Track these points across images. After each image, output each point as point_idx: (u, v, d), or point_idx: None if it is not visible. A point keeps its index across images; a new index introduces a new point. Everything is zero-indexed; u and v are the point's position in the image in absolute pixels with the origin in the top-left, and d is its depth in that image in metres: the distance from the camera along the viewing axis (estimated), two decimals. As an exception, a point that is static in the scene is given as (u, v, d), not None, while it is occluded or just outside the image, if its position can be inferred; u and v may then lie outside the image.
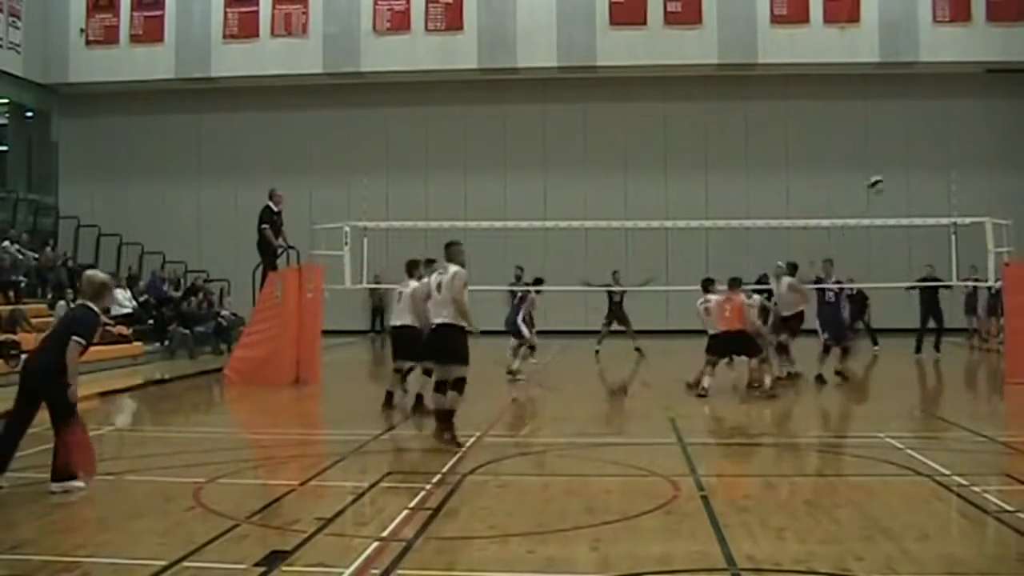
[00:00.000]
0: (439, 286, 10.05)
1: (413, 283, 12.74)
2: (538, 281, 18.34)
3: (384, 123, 28.49)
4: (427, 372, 12.65)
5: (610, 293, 21.00)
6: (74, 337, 7.82)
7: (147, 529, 6.80)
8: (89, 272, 9.02)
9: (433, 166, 28.33)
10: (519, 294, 18.10)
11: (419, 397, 12.47)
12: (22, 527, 6.93)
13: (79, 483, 7.89)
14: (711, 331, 14.70)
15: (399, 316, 12.93)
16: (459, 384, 9.86)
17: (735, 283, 14.63)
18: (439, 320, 9.97)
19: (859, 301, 21.15)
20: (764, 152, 27.69)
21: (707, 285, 15.09)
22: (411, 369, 12.92)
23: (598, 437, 11.06)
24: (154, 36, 27.60)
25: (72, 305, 8.18)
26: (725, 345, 14.43)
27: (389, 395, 12.90)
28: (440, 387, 9.96)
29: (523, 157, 28.15)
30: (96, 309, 8.12)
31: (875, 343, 22.02)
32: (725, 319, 14.24)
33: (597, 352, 21.13)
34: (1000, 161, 26.99)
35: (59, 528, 6.95)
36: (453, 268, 10.05)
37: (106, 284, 8.33)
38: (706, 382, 14.11)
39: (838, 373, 16.01)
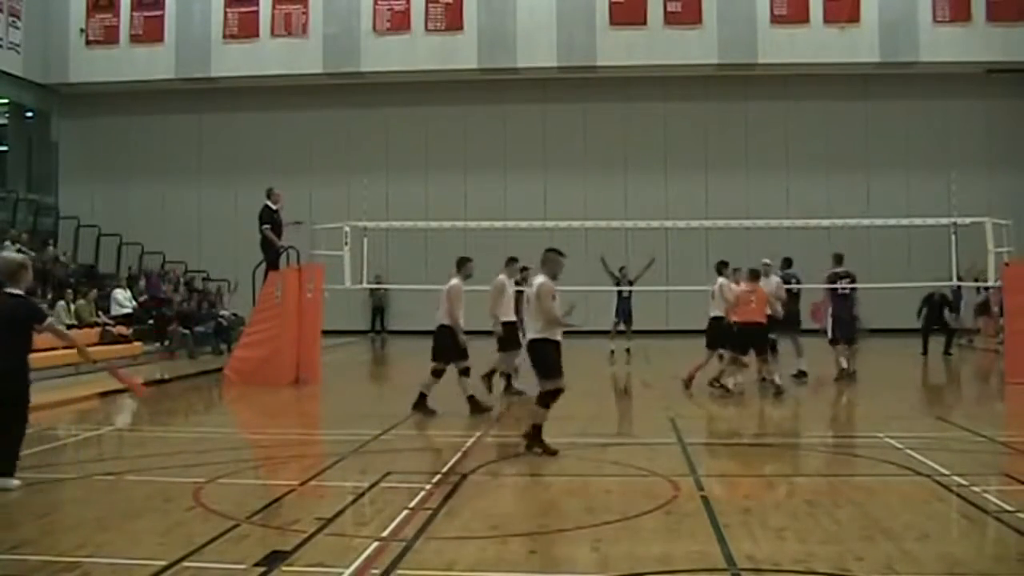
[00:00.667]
0: (529, 299, 9.85)
1: (454, 280, 12.69)
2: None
3: (384, 123, 28.50)
4: (435, 373, 12.58)
5: (619, 289, 20.99)
6: (46, 323, 8.22)
7: (147, 529, 6.79)
8: (4, 254, 9.07)
9: (433, 166, 28.34)
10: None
11: (423, 396, 12.45)
12: (22, 527, 6.92)
13: (14, 480, 7.89)
14: (712, 314, 14.73)
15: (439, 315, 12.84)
16: (544, 397, 9.60)
17: (756, 274, 14.55)
18: (531, 335, 9.70)
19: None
20: (764, 152, 27.70)
21: (721, 268, 15.04)
22: (467, 370, 12.75)
23: (598, 437, 11.06)
24: (154, 36, 27.61)
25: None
26: (743, 337, 14.19)
27: (471, 399, 12.58)
28: (543, 399, 9.69)
29: (523, 157, 28.16)
30: (21, 292, 8.14)
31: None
32: (751, 310, 14.12)
33: (612, 352, 21.04)
34: (1000, 161, 27.00)
35: (59, 528, 6.95)
36: (538, 280, 9.71)
37: (23, 265, 8.31)
38: (731, 383, 14.09)
39: (846, 372, 16.12)
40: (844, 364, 16.17)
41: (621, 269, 21.04)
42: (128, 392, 15.44)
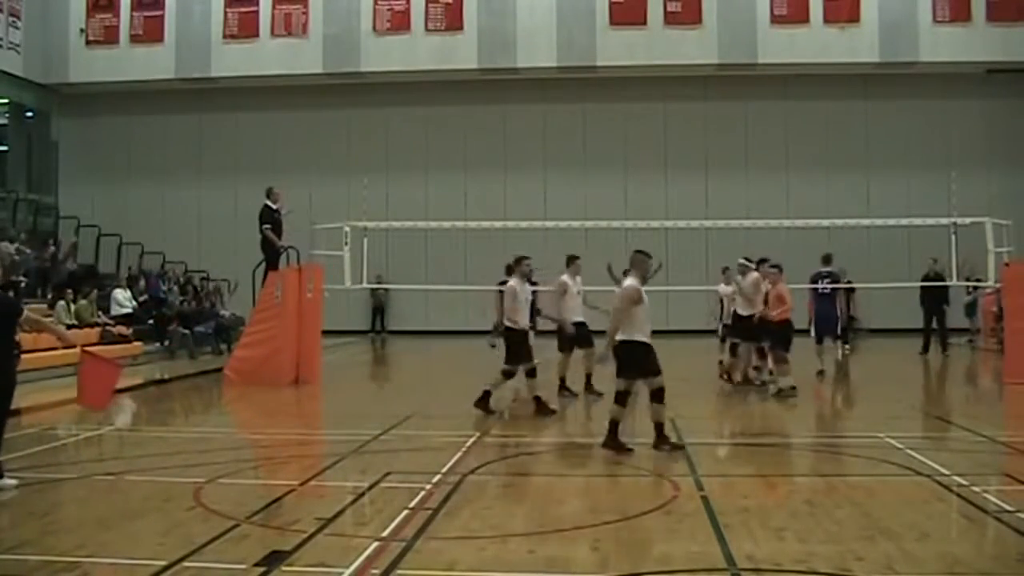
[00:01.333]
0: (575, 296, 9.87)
1: (512, 281, 12.61)
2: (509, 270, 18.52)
3: (384, 123, 28.50)
4: (531, 373, 12.50)
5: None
6: (23, 316, 8.26)
7: (147, 529, 6.80)
8: None
9: (433, 166, 28.34)
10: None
11: (537, 399, 12.39)
12: (22, 527, 6.92)
13: (10, 480, 7.92)
14: (742, 312, 14.60)
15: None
16: (657, 394, 9.71)
17: (780, 271, 14.43)
18: (620, 337, 9.72)
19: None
20: (764, 152, 27.69)
21: (758, 265, 14.99)
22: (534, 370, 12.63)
23: (598, 437, 11.05)
24: (154, 36, 27.61)
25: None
26: (782, 334, 14.02)
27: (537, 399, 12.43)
28: (656, 396, 9.80)
29: (523, 157, 28.16)
30: None
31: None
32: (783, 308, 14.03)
33: None
34: (1000, 161, 26.99)
35: (59, 528, 6.95)
36: (626, 283, 9.82)
37: None
38: (783, 382, 13.85)
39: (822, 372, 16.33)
40: (821, 365, 16.47)
41: (626, 272, 20.77)
42: (128, 392, 15.51)
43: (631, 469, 9.07)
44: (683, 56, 26.40)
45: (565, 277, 13.78)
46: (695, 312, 21.80)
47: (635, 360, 9.66)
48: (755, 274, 15.00)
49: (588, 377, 14.06)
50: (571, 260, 14.00)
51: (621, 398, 9.76)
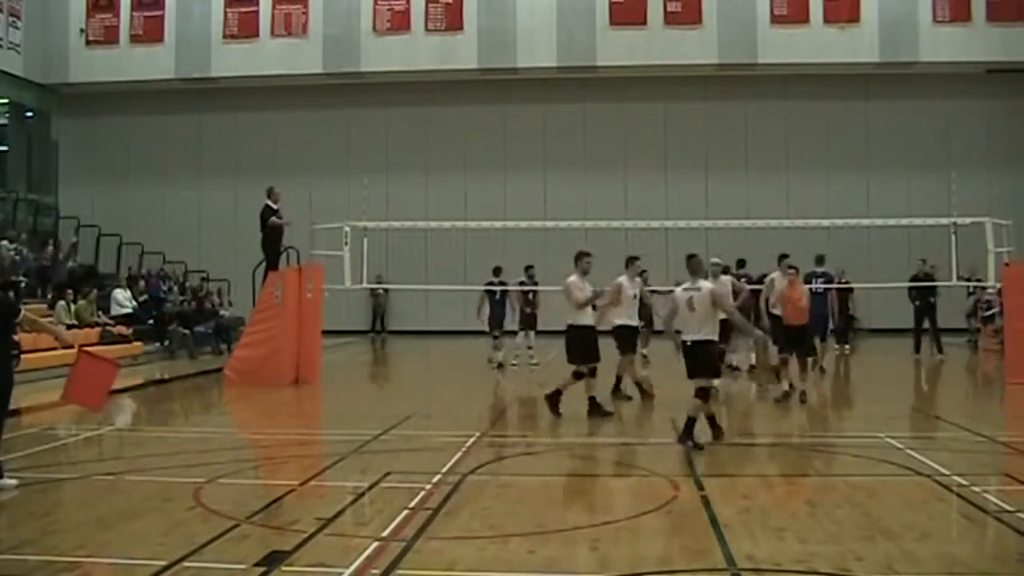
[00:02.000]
0: (690, 302, 9.89)
1: (572, 278, 12.25)
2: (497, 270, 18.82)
3: (384, 123, 28.51)
4: (576, 376, 12.16)
5: (640, 294, 20.57)
6: (20, 316, 8.31)
7: (147, 529, 6.80)
8: None
9: (433, 166, 28.35)
10: (498, 293, 18.26)
11: (592, 399, 12.16)
12: (22, 527, 6.93)
13: (11, 480, 7.94)
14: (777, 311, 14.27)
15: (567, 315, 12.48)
16: (701, 393, 9.84)
17: (796, 271, 14.07)
18: (696, 338, 9.87)
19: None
20: (764, 152, 27.70)
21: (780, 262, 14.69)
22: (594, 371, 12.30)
23: (598, 437, 11.06)
24: (154, 36, 27.63)
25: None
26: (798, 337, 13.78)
27: (591, 399, 12.12)
28: (700, 393, 9.92)
29: (523, 157, 28.16)
30: None
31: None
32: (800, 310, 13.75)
33: (644, 356, 20.24)
34: (1000, 161, 26.99)
35: (59, 528, 6.94)
36: (708, 286, 10.05)
37: None
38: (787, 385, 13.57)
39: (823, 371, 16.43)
40: (821, 362, 16.56)
41: (642, 273, 20.44)
42: (128, 392, 15.52)
43: (631, 469, 9.07)
44: (683, 56, 26.41)
45: (623, 279, 13.26)
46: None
47: (707, 359, 9.90)
48: (727, 276, 14.87)
49: (618, 380, 13.77)
50: (630, 261, 13.45)
51: (701, 394, 9.90)
